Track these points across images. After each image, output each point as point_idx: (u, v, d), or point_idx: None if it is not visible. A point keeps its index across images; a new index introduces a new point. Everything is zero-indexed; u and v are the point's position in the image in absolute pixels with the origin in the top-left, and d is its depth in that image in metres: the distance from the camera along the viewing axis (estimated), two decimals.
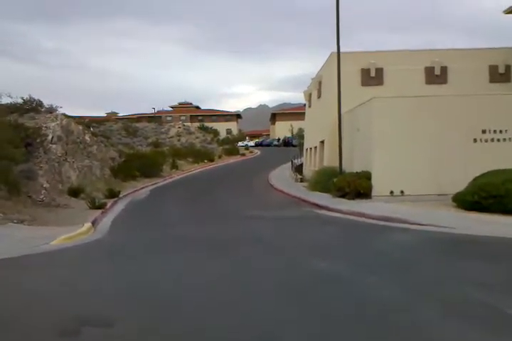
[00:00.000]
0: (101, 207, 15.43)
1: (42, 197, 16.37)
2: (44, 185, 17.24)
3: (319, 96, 27.21)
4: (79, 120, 44.70)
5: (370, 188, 17.01)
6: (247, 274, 6.82)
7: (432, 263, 7.37)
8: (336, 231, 10.95)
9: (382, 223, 12.13)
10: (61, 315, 4.82)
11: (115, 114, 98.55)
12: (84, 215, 13.51)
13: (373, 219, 12.76)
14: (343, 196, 17.76)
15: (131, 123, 65.48)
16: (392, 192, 16.97)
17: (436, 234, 10.17)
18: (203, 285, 6.16)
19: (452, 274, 6.51)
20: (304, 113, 35.60)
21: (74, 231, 10.61)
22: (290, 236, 10.42)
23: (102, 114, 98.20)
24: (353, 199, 17.10)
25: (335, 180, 18.86)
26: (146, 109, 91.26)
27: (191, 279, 6.56)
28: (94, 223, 12.26)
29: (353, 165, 19.61)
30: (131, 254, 8.47)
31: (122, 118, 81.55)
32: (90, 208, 15.26)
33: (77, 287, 6.13)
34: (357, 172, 17.61)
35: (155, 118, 78.12)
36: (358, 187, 16.84)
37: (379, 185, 17.01)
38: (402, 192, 16.95)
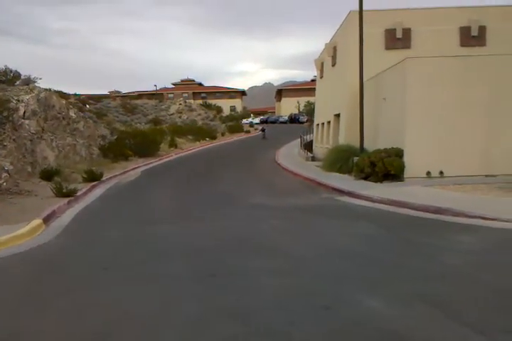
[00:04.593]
0: (70, 194, 12.40)
1: (2, 182, 13.40)
2: (6, 168, 14.24)
3: (334, 64, 23.83)
4: (74, 97, 41.61)
5: (401, 168, 13.91)
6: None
7: None
8: (375, 231, 7.88)
9: (431, 216, 9.11)
10: None
11: (118, 92, 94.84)
12: (44, 206, 10.51)
13: (417, 210, 9.71)
14: (366, 178, 14.73)
15: (131, 100, 62.24)
16: (429, 173, 13.92)
17: None
18: None
19: None
20: (311, 89, 32.33)
21: (11, 232, 7.63)
22: (312, 240, 7.40)
23: (105, 92, 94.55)
24: (381, 181, 14.05)
25: (356, 158, 15.79)
26: (150, 88, 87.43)
27: None
28: (48, 219, 9.23)
29: (376, 141, 16.51)
30: (64, 285, 5.37)
31: (122, 96, 78.25)
32: (56, 196, 12.24)
33: None
34: (385, 149, 14.47)
35: (156, 95, 74.73)
36: (388, 166, 13.73)
37: (413, 165, 13.91)
38: (441, 172, 13.89)
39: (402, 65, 14.61)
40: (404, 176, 14.02)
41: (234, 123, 59.83)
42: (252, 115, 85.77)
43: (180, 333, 3.97)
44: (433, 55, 15.59)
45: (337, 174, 17.17)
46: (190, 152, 33.90)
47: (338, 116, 22.19)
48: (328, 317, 4.22)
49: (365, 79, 16.91)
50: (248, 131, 54.32)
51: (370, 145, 16.33)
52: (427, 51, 18.16)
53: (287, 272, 5.60)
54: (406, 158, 13.99)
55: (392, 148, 14.40)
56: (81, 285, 5.36)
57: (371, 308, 4.38)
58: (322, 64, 27.17)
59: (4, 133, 15.72)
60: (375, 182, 14.14)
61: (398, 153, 14.10)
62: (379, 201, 10.94)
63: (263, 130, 46.88)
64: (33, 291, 5.16)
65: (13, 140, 16.33)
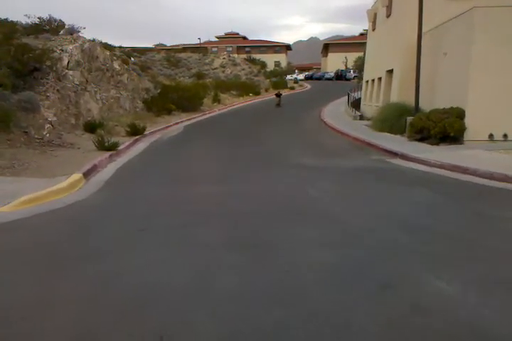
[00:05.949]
0: (112, 148, 12.12)
1: (45, 133, 13.26)
2: (49, 119, 14.08)
3: (388, 15, 22.19)
4: (118, 49, 41.12)
5: (462, 130, 12.87)
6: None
7: None
8: (437, 200, 7.14)
9: (497, 184, 8.27)
10: None
11: (163, 45, 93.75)
12: (85, 160, 10.27)
13: (481, 177, 8.87)
14: (422, 139, 13.79)
15: (175, 53, 61.38)
16: (491, 136, 12.84)
17: None
18: None
19: None
20: (360, 44, 30.50)
21: (49, 186, 7.36)
22: (364, 207, 6.75)
23: (150, 45, 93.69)
24: (437, 144, 13.09)
25: (410, 118, 14.77)
26: (194, 41, 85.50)
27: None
28: (88, 173, 8.97)
29: (433, 100, 15.34)
30: (98, 248, 4.96)
31: (167, 49, 77.32)
32: (98, 149, 12.00)
33: None
34: (444, 109, 13.39)
35: (200, 49, 73.43)
36: (448, 128, 12.71)
37: (474, 126, 12.85)
38: (505, 136, 12.81)
39: (469, 14, 13.22)
40: (464, 139, 13.01)
41: (278, 79, 58.33)
42: (296, 71, 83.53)
43: (212, 313, 3.50)
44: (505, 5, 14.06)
45: (388, 134, 16.25)
46: (233, 107, 33.28)
47: (390, 72, 20.86)
48: (389, 301, 3.66)
49: (423, 31, 15.56)
50: (292, 88, 52.86)
51: (425, 104, 15.22)
52: (494, 2, 16.46)
53: (338, 244, 5.03)
54: (467, 119, 12.91)
55: (452, 108, 13.30)
56: (114, 248, 4.97)
57: (440, 292, 3.79)
58: (375, 15, 25.42)
59: (48, 83, 15.49)
60: (431, 144, 13.19)
61: (459, 114, 13.01)
62: (438, 165, 10.11)
63: (278, 95, 34.89)
64: (62, 254, 4.82)
65: (57, 91, 16.10)
